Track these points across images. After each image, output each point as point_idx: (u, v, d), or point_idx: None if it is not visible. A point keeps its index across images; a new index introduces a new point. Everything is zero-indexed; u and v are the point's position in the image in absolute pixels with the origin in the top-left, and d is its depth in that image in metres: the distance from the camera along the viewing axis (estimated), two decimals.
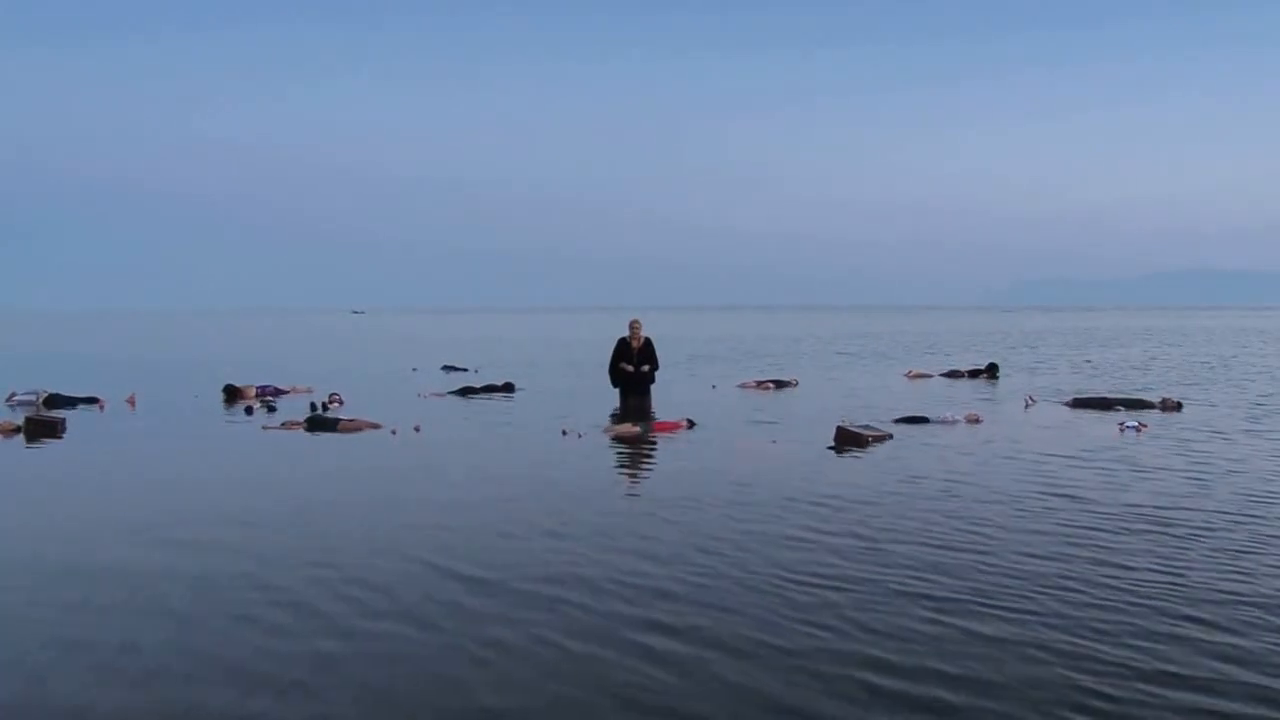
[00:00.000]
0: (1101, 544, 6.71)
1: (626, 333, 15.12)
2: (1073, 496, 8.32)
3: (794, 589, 5.74)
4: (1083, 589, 5.69)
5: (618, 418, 13.96)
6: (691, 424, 12.97)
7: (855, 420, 12.51)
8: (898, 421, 13.29)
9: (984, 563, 6.28)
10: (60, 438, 12.49)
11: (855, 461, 10.41)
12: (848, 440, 11.34)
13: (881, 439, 11.68)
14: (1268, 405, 15.57)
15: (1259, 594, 5.59)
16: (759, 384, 19.63)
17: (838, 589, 5.74)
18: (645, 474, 10.14)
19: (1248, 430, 12.60)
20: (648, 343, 15.10)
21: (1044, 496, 8.34)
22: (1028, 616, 5.20)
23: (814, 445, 11.32)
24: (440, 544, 6.84)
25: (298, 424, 13.32)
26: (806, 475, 9.46)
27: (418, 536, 7.07)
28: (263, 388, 17.97)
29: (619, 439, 12.11)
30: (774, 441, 11.72)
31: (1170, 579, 5.88)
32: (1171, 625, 5.06)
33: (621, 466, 10.52)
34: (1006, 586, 5.75)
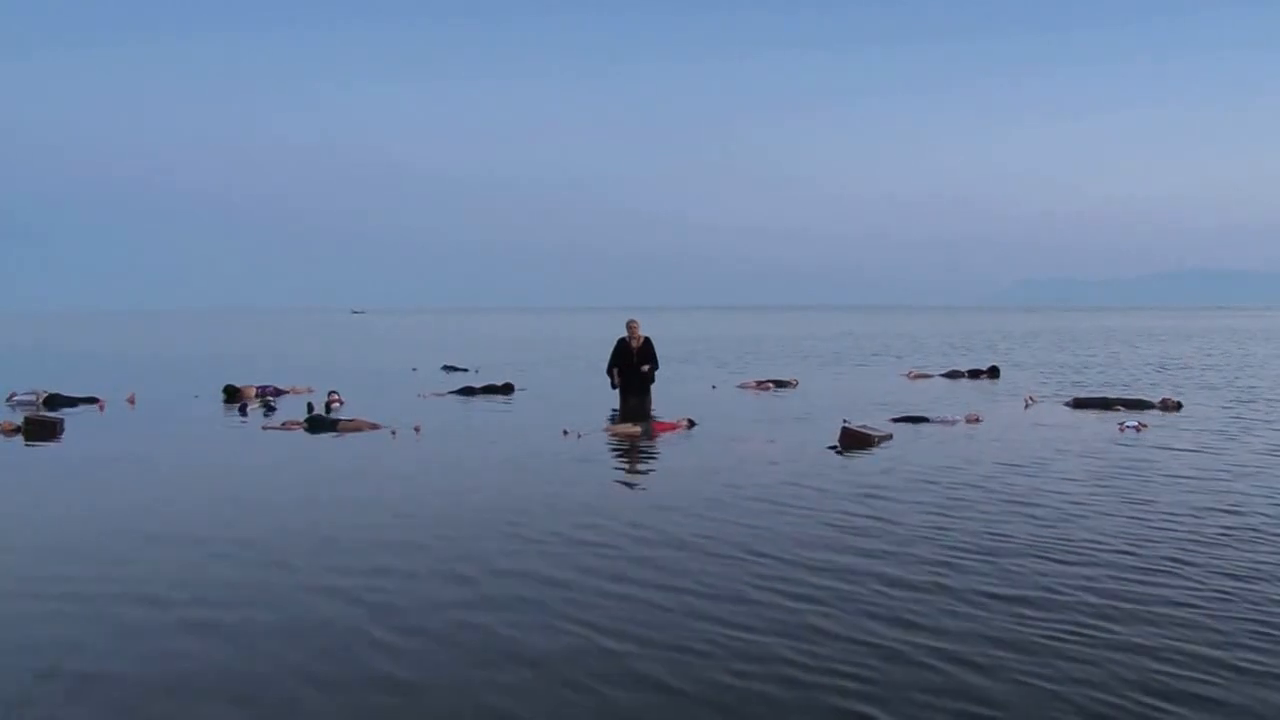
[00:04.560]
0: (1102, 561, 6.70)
1: (625, 333, 15.11)
2: (1074, 504, 8.31)
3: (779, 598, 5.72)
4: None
5: (617, 418, 13.96)
6: (692, 424, 12.95)
7: (855, 420, 12.49)
8: (897, 421, 13.27)
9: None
10: (59, 438, 12.48)
11: (855, 462, 10.40)
12: (853, 440, 11.31)
13: (884, 439, 11.66)
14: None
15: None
16: (759, 384, 19.62)
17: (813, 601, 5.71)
18: (641, 475, 10.11)
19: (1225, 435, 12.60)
20: (647, 342, 15.08)
21: (1049, 501, 8.33)
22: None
23: (814, 445, 11.30)
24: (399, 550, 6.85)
25: (298, 424, 13.31)
26: (806, 476, 9.44)
27: (394, 538, 7.09)
28: (263, 388, 17.96)
29: (619, 439, 12.10)
30: (773, 441, 11.71)
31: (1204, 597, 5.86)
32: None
33: (619, 467, 10.49)
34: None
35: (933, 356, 29.77)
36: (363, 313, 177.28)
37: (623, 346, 15.06)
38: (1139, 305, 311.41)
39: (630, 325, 15.03)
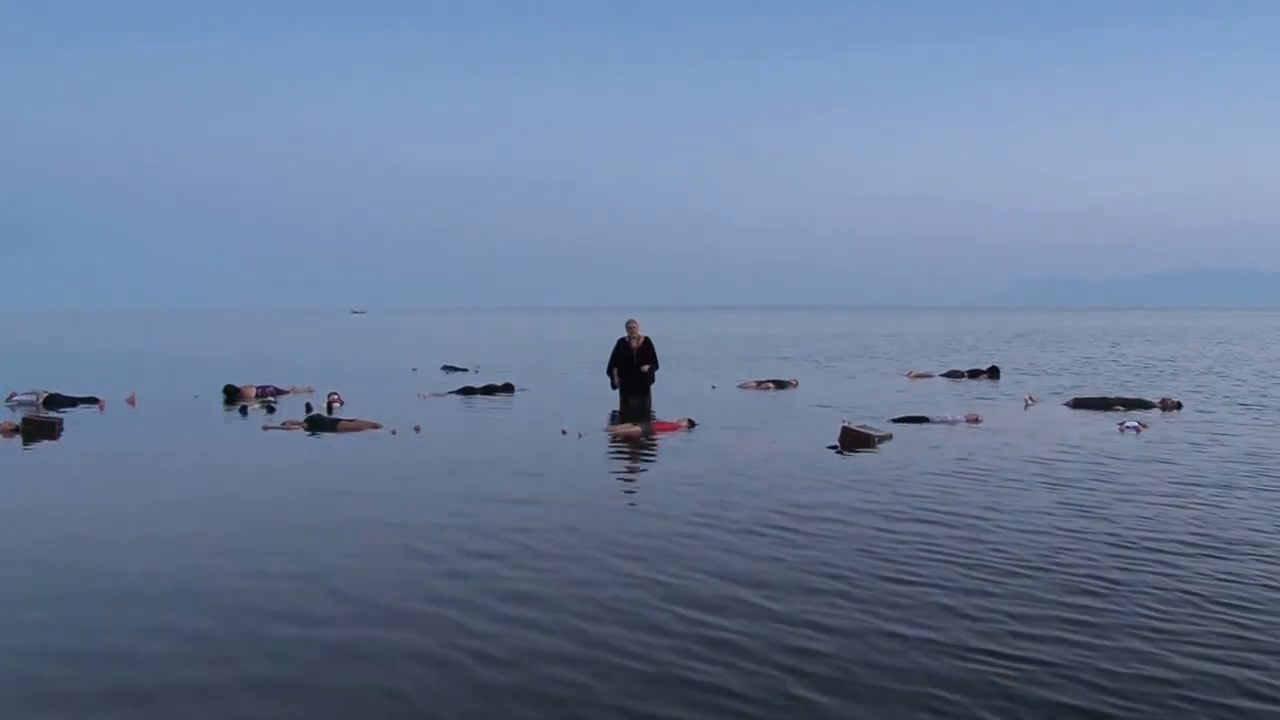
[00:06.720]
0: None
1: (625, 333, 15.11)
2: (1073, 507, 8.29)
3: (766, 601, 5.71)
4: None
5: (617, 418, 13.95)
6: (692, 424, 12.95)
7: (855, 420, 12.47)
8: (897, 421, 13.26)
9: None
10: (57, 439, 12.46)
11: (855, 462, 10.39)
12: (853, 440, 11.29)
13: (884, 439, 11.64)
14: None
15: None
16: (759, 384, 19.63)
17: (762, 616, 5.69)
18: (640, 475, 10.09)
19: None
20: (647, 342, 15.07)
21: (1039, 501, 8.32)
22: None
23: (814, 445, 11.28)
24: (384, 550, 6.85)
25: (298, 424, 13.30)
26: (806, 475, 9.44)
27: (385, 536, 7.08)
28: (263, 388, 17.96)
29: (619, 439, 12.09)
30: (774, 441, 11.70)
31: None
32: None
33: (618, 467, 10.45)
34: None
35: (915, 358, 29.63)
36: (363, 313, 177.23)
37: (623, 347, 15.05)
38: (1140, 305, 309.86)
39: (630, 325, 15.03)
